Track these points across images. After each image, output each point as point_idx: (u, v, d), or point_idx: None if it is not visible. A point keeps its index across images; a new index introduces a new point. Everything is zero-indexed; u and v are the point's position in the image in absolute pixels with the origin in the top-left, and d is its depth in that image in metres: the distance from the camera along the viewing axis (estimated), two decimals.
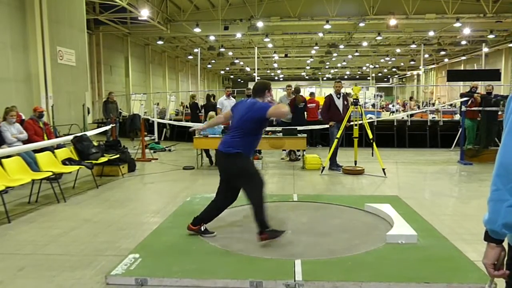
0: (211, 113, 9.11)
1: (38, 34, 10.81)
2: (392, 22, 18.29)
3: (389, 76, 50.48)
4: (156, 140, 13.03)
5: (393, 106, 24.35)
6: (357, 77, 49.34)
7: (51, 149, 6.80)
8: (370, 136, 7.82)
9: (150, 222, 4.69)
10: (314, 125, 10.75)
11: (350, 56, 33.78)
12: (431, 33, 22.08)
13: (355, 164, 8.00)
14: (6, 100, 9.22)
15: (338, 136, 7.83)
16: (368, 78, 36.63)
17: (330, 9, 18.59)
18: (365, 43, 26.82)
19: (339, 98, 8.22)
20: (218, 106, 9.99)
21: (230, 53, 31.47)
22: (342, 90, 8.49)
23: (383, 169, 7.48)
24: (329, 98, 8.39)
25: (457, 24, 18.58)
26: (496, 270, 1.44)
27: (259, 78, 23.74)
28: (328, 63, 37.97)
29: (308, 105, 11.42)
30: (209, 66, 39.66)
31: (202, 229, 4.04)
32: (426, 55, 31.62)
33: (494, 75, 15.40)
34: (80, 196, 6.16)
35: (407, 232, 3.86)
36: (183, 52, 31.47)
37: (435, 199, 5.98)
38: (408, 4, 18.02)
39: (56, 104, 11.34)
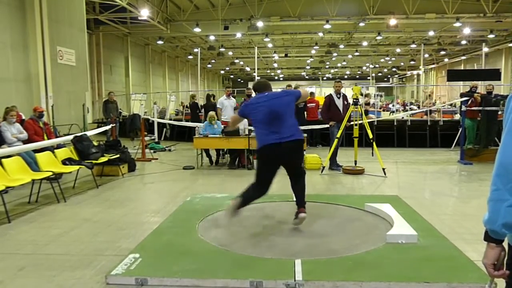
0: (211, 113, 9.11)
1: (38, 34, 10.82)
2: (392, 22, 18.29)
3: (389, 76, 50.46)
4: (156, 140, 13.03)
5: (393, 106, 24.34)
6: (357, 77, 49.32)
7: (51, 149, 6.80)
8: (370, 136, 7.82)
9: (150, 222, 4.69)
10: (314, 125, 10.75)
11: (350, 56, 33.78)
12: (431, 33, 22.08)
13: (355, 164, 8.00)
14: (6, 100, 9.22)
15: (338, 136, 7.83)
16: (368, 78, 36.59)
17: (330, 9, 18.59)
18: (365, 43, 26.81)
19: (339, 98, 8.23)
20: (218, 106, 9.99)
21: (230, 53, 31.46)
22: (342, 90, 8.49)
23: (383, 169, 7.48)
24: (329, 98, 8.39)
25: (457, 24, 18.58)
26: (496, 270, 1.44)
27: (259, 78, 23.74)
28: (328, 63, 37.96)
29: (308, 105, 11.43)
30: (209, 66, 39.65)
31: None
32: (426, 55, 31.62)
33: (494, 74, 15.40)
34: (80, 196, 6.16)
35: (407, 231, 3.86)
36: (183, 52, 31.47)
37: (435, 198, 5.98)
38: (408, 3, 18.02)
39: (56, 104, 11.34)
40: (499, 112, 8.94)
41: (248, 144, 8.26)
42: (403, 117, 13.45)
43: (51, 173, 5.62)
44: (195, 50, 25.05)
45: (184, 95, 28.10)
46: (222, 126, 8.87)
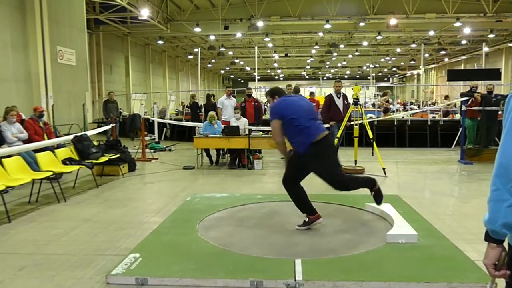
0: (211, 112, 9.11)
1: (38, 33, 10.82)
2: (392, 21, 18.28)
3: (389, 76, 50.44)
4: (156, 139, 13.03)
5: (393, 105, 24.32)
6: (357, 76, 49.32)
7: (51, 148, 6.80)
8: (370, 135, 7.82)
9: (151, 222, 4.69)
10: None
11: (350, 56, 33.77)
12: (431, 33, 22.06)
13: (355, 163, 8.00)
14: (6, 100, 9.22)
15: (338, 135, 7.83)
16: (368, 77, 36.59)
17: (330, 8, 18.59)
18: (365, 43, 26.81)
19: (339, 97, 8.23)
20: (218, 105, 9.99)
21: (230, 53, 31.46)
22: (342, 90, 8.49)
23: (383, 169, 7.48)
24: (329, 98, 8.39)
25: (457, 24, 18.57)
26: (497, 270, 1.44)
27: (259, 78, 23.75)
28: (328, 62, 37.95)
29: None
30: (209, 65, 39.65)
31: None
32: (426, 55, 31.60)
33: (494, 74, 15.42)
34: (80, 196, 6.16)
35: (408, 231, 3.86)
36: (183, 51, 31.46)
37: (435, 198, 5.98)
38: (408, 3, 18.01)
39: (56, 104, 11.34)
40: (499, 112, 8.93)
41: (248, 144, 8.27)
42: (403, 117, 13.45)
43: (51, 173, 5.62)
44: (195, 50, 25.03)
45: (184, 95, 28.10)
46: (222, 126, 8.87)
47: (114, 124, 10.10)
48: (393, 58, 35.56)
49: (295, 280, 2.97)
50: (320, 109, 10.16)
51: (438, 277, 2.99)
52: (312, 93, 12.84)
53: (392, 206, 4.69)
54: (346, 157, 8.54)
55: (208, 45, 25.70)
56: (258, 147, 8.67)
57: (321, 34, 22.71)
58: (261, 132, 8.87)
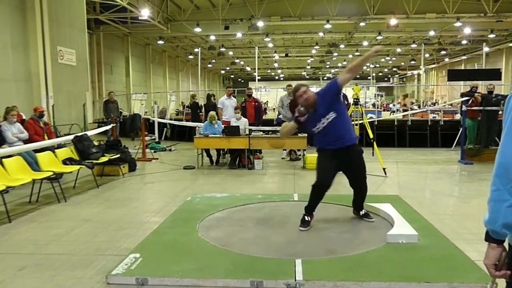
0: (212, 112, 9.11)
1: (38, 33, 10.83)
2: (393, 21, 18.27)
3: (389, 76, 50.45)
4: (157, 139, 13.03)
5: (393, 105, 24.35)
6: (358, 76, 49.25)
7: (51, 148, 6.80)
8: (371, 135, 7.81)
9: (151, 222, 4.69)
10: None
11: (350, 56, 33.75)
12: (432, 33, 22.07)
13: None
14: (6, 100, 9.23)
15: None
16: (369, 77, 36.60)
17: (330, 8, 18.59)
18: (365, 43, 26.79)
19: None
20: (219, 105, 10.00)
21: (231, 53, 31.46)
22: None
23: (384, 169, 7.48)
24: None
25: (458, 24, 18.57)
26: (497, 271, 1.44)
27: (259, 78, 23.76)
28: (328, 62, 37.94)
29: None
30: (209, 65, 39.66)
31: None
32: (427, 55, 31.60)
33: (495, 74, 15.42)
34: (81, 196, 6.16)
35: (408, 231, 3.85)
36: (184, 51, 31.47)
37: (435, 198, 5.98)
38: (408, 3, 18.01)
39: (56, 104, 11.35)
40: (500, 112, 8.93)
41: (249, 144, 8.27)
42: (403, 117, 13.45)
43: (51, 173, 5.62)
44: (196, 50, 25.06)
45: (184, 95, 28.11)
46: (223, 126, 8.88)
47: (114, 124, 10.11)
48: (394, 58, 35.56)
49: (295, 280, 2.97)
50: None
51: (438, 277, 2.99)
52: None
53: (392, 206, 4.69)
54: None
55: (208, 45, 25.71)
56: (259, 147, 8.67)
57: (321, 34, 22.72)
58: (261, 132, 8.88)
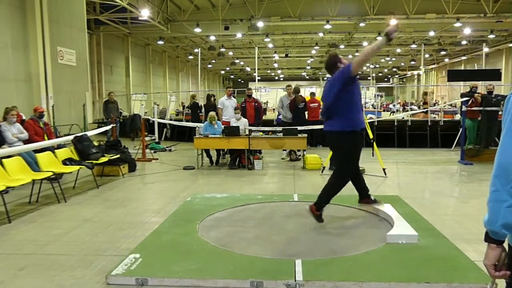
0: (212, 113, 9.11)
1: (38, 34, 10.83)
2: (393, 22, 18.21)
3: (389, 76, 50.45)
4: (157, 140, 13.03)
5: (393, 106, 24.37)
6: (358, 77, 49.21)
7: (51, 149, 6.80)
8: (371, 136, 7.81)
9: (151, 222, 4.69)
10: (315, 125, 10.75)
11: (350, 56, 33.61)
12: (432, 33, 22.07)
13: None
14: (6, 100, 9.24)
15: None
16: (369, 78, 36.60)
17: (330, 9, 18.59)
18: (365, 43, 26.76)
19: None
20: (219, 106, 10.00)
21: (231, 53, 31.47)
22: None
23: (384, 169, 7.48)
24: None
25: (458, 24, 18.57)
26: (497, 271, 1.44)
27: (259, 78, 23.74)
28: None
29: (311, 105, 11.43)
30: (209, 66, 39.66)
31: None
32: (427, 55, 31.61)
33: (495, 75, 15.39)
34: (81, 196, 6.16)
35: (408, 232, 3.86)
36: (184, 52, 31.47)
37: (435, 199, 5.98)
38: (408, 4, 18.01)
39: (56, 104, 11.35)
40: (500, 112, 8.93)
41: (249, 145, 8.27)
42: (403, 117, 13.45)
43: (51, 173, 5.62)
44: (196, 50, 25.05)
45: (184, 95, 28.10)
46: (223, 126, 8.88)
47: (114, 125, 10.11)
48: (393, 59, 35.57)
49: (295, 280, 2.97)
50: (321, 110, 10.18)
51: (438, 277, 2.99)
52: (312, 94, 12.83)
53: (392, 207, 4.69)
54: None
55: (208, 46, 25.71)
56: (258, 148, 8.67)
57: (321, 34, 22.72)
58: (261, 133, 8.88)
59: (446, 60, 33.97)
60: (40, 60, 10.90)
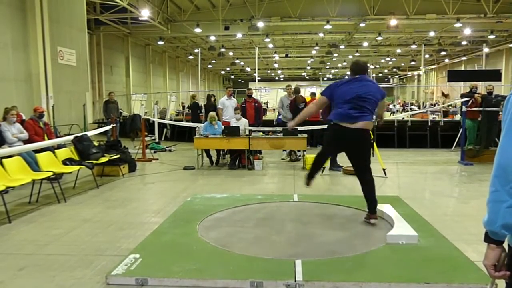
0: (212, 113, 9.11)
1: (38, 34, 10.83)
2: (393, 22, 18.28)
3: (389, 77, 50.44)
4: (157, 140, 13.03)
5: (394, 106, 24.37)
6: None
7: (51, 149, 6.80)
8: (371, 136, 7.80)
9: (151, 222, 4.69)
10: (315, 125, 10.74)
11: (350, 56, 33.71)
12: (432, 34, 22.07)
13: None
14: (6, 100, 9.23)
15: None
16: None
17: (330, 9, 18.59)
18: (365, 43, 26.81)
19: None
20: (219, 106, 10.00)
21: (231, 53, 31.47)
22: None
23: (384, 170, 7.48)
24: None
25: (458, 25, 18.57)
26: (496, 271, 1.44)
27: (259, 78, 23.76)
28: (328, 63, 37.95)
29: (311, 105, 11.41)
30: (209, 66, 39.67)
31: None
32: (427, 56, 31.61)
33: (495, 75, 15.40)
34: (81, 196, 6.16)
35: (408, 232, 3.86)
36: (184, 52, 31.48)
37: (435, 199, 5.98)
38: (408, 4, 18.01)
39: (56, 104, 11.35)
40: (500, 113, 8.93)
41: (249, 145, 8.27)
42: (403, 118, 13.45)
43: (51, 173, 5.62)
44: (196, 50, 25.06)
45: (184, 95, 28.10)
46: (223, 126, 8.88)
47: (114, 125, 10.10)
48: (394, 59, 35.56)
49: (295, 280, 2.97)
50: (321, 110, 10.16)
51: (438, 278, 2.99)
52: (313, 94, 12.82)
53: (392, 207, 4.69)
54: (347, 158, 8.53)
55: (208, 46, 25.71)
56: (258, 148, 8.67)
57: (321, 34, 22.72)
58: (261, 133, 8.88)
59: (446, 60, 33.97)
60: (40, 60, 10.90)
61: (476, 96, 9.38)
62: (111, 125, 10.11)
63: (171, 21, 20.29)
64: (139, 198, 6.20)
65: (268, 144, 8.46)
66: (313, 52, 30.92)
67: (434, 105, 21.72)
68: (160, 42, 23.52)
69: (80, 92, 13.09)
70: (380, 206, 4.73)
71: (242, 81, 50.92)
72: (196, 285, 3.01)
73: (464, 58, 30.35)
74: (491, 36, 22.30)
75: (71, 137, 7.29)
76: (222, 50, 27.67)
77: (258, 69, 21.03)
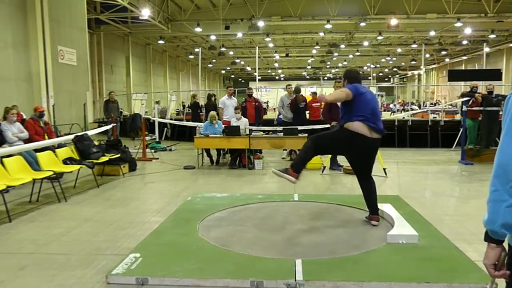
0: (212, 112, 9.11)
1: (39, 33, 10.84)
2: (393, 21, 18.28)
3: (390, 76, 50.44)
4: (157, 139, 13.04)
5: (394, 106, 24.35)
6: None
7: (52, 148, 6.81)
8: None
9: (151, 222, 4.70)
10: (316, 125, 10.74)
11: (351, 56, 33.76)
12: (432, 33, 22.07)
13: None
14: (7, 99, 9.24)
15: None
16: (369, 78, 36.59)
17: (331, 8, 18.59)
18: (366, 43, 26.80)
19: None
20: (220, 105, 9.99)
21: (231, 53, 31.48)
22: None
23: (384, 169, 7.48)
24: None
25: (458, 24, 18.57)
26: (496, 271, 1.44)
27: (260, 78, 23.77)
28: (329, 62, 37.95)
29: (313, 105, 11.41)
30: (210, 65, 39.67)
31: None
32: (427, 55, 31.60)
33: (495, 75, 15.40)
34: (81, 196, 6.17)
35: (408, 232, 3.85)
36: (184, 51, 31.49)
37: (436, 199, 5.98)
38: (409, 3, 18.01)
39: (57, 104, 11.36)
40: (500, 113, 8.93)
41: (249, 144, 8.27)
42: (404, 117, 13.45)
43: (52, 173, 5.63)
44: (196, 49, 25.09)
45: (185, 94, 28.13)
46: (223, 125, 8.88)
47: (114, 124, 10.11)
48: (394, 59, 35.56)
49: (295, 280, 2.97)
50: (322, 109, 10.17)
51: (438, 277, 2.99)
52: (314, 93, 12.81)
53: (392, 207, 4.69)
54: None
55: (208, 45, 25.72)
56: (259, 147, 8.67)
57: (322, 34, 22.72)
58: (261, 132, 8.88)
59: (447, 60, 33.97)
60: (41, 59, 10.90)
61: (477, 96, 9.37)
62: (112, 124, 10.12)
63: (171, 20, 20.30)
64: (139, 198, 6.20)
65: (269, 144, 8.46)
66: (314, 51, 30.93)
67: (435, 105, 21.72)
68: (161, 42, 23.53)
69: (81, 91, 13.09)
70: (380, 206, 4.73)
71: (243, 81, 50.95)
72: (196, 285, 3.01)
73: (464, 57, 30.34)
74: (492, 36, 22.30)
75: (72, 136, 7.29)
76: (223, 49, 27.68)
77: (259, 69, 21.04)
